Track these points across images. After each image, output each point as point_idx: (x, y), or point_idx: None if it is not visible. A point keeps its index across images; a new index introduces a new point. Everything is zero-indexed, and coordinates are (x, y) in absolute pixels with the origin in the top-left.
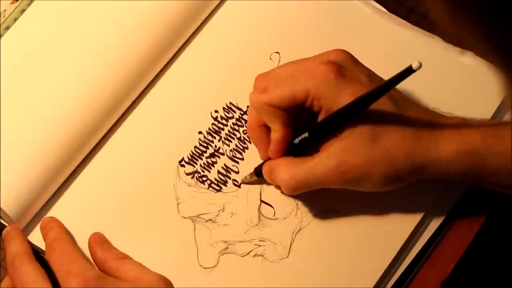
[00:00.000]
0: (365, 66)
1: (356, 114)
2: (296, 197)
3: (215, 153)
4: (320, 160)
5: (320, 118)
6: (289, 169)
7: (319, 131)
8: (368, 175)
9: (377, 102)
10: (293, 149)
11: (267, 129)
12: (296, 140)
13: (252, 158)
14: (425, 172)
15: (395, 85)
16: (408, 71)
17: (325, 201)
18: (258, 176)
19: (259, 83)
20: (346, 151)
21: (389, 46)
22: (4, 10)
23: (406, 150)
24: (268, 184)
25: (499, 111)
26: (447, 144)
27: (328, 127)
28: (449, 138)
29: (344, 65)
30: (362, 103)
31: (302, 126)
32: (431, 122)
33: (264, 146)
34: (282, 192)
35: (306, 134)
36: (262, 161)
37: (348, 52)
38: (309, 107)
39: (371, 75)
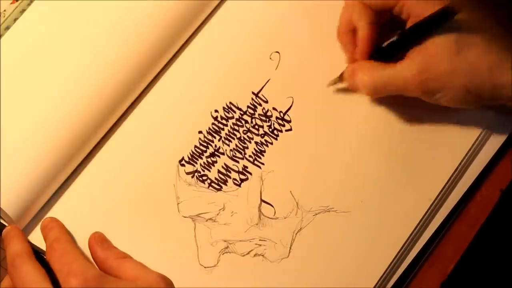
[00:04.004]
0: None
1: (442, 22)
2: (296, 196)
3: (215, 152)
4: (403, 66)
5: (409, 25)
6: (371, 71)
7: (408, 36)
8: (449, 86)
9: (463, 14)
10: (380, 54)
11: (355, 34)
12: (385, 44)
13: (252, 158)
14: (503, 93)
15: None
16: None
17: (325, 201)
18: (341, 79)
19: None
20: (429, 59)
21: None
22: (4, 10)
23: (490, 64)
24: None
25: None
26: None
27: (417, 33)
28: None
29: None
30: (449, 12)
31: (387, 37)
32: None
33: (352, 47)
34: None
35: (395, 37)
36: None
37: None
38: (398, 14)
39: None
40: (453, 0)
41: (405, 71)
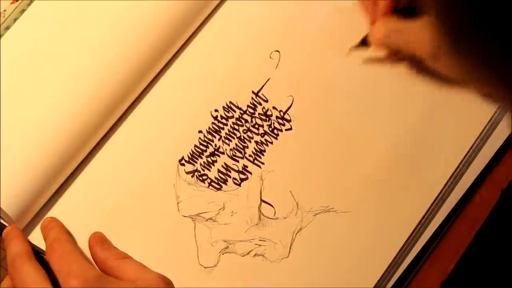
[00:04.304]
0: None
1: None
2: (296, 196)
3: (215, 152)
4: (419, 23)
5: None
6: (389, 22)
7: None
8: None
9: None
10: (403, 12)
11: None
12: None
13: (251, 157)
14: None
15: None
16: None
17: (325, 201)
18: (363, 44)
19: None
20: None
21: None
22: (4, 10)
23: None
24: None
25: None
26: None
27: None
28: None
29: None
30: None
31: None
32: None
33: (372, 10)
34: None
35: None
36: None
37: None
38: None
39: None
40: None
41: (420, 28)
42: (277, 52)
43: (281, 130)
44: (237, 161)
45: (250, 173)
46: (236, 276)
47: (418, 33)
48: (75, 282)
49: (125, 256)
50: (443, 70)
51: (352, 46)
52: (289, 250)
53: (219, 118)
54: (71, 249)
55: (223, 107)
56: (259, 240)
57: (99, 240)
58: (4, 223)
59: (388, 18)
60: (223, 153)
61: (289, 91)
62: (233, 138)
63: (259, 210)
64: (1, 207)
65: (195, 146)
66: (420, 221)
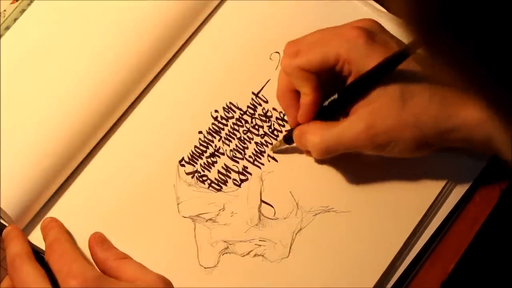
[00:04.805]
0: (393, 34)
1: (385, 75)
2: (296, 197)
3: (215, 152)
4: (350, 123)
5: (350, 81)
6: (319, 133)
7: (349, 93)
8: (397, 139)
9: (405, 63)
10: (323, 113)
11: (297, 94)
12: (326, 103)
13: (251, 157)
14: (451, 137)
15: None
16: None
17: (325, 201)
18: (287, 142)
19: (290, 48)
20: (375, 114)
21: None
22: (4, 10)
23: (434, 113)
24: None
25: None
26: (473, 109)
27: (358, 89)
28: (475, 103)
29: (374, 31)
30: (391, 64)
31: (329, 94)
32: None
33: (294, 111)
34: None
35: (335, 96)
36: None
37: (376, 20)
38: (339, 72)
39: (399, 41)
40: (397, 51)
41: (353, 128)
42: (277, 53)
43: (281, 131)
44: (237, 162)
45: (250, 174)
46: (236, 276)
47: (355, 135)
48: (75, 282)
49: (125, 257)
50: (389, 155)
51: (274, 145)
52: (289, 250)
53: (219, 118)
54: (71, 249)
55: (223, 108)
56: (259, 240)
57: (99, 240)
58: (4, 223)
59: (316, 126)
60: (223, 154)
61: None
62: (233, 138)
63: (259, 211)
64: (1, 207)
65: (195, 147)
66: (420, 221)
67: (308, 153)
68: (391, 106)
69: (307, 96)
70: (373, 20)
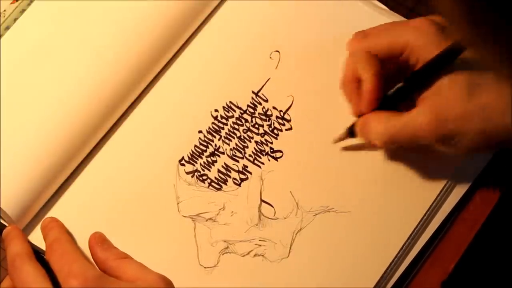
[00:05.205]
0: None
1: (451, 62)
2: (296, 197)
3: (215, 152)
4: (416, 114)
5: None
6: (384, 122)
7: (416, 80)
8: (464, 131)
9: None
10: (387, 103)
11: (359, 85)
12: (391, 92)
13: (252, 157)
14: None
15: None
16: None
17: (325, 201)
18: (351, 135)
19: (358, 34)
20: (442, 104)
21: None
22: (4, 10)
23: (503, 106)
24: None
25: None
26: None
27: (426, 75)
28: None
29: (444, 25)
30: (458, 51)
31: (392, 87)
32: None
33: (357, 100)
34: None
35: (401, 84)
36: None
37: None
38: (405, 60)
39: None
40: (459, 40)
41: (419, 118)
42: (277, 52)
43: (281, 130)
44: (237, 161)
45: (250, 173)
46: (236, 276)
47: (420, 125)
48: (75, 282)
49: (125, 256)
50: (452, 150)
51: (337, 137)
52: (289, 250)
53: (219, 118)
54: (71, 249)
55: (223, 107)
56: (259, 240)
57: (99, 240)
58: (4, 223)
59: (380, 115)
60: (223, 153)
61: (289, 91)
62: (233, 137)
63: (259, 210)
64: (1, 207)
65: (195, 146)
66: (420, 221)
67: (371, 145)
68: (458, 96)
69: (369, 82)
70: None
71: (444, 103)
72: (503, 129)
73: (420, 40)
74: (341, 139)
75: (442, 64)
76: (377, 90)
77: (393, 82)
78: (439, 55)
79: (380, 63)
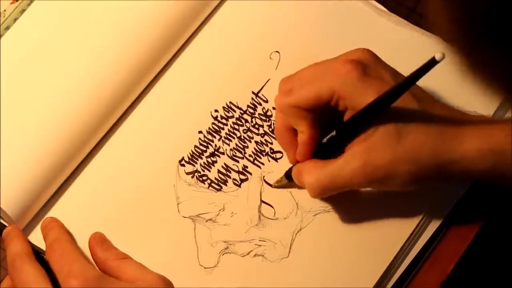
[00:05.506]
0: (388, 65)
1: (381, 111)
2: (296, 197)
3: (215, 152)
4: (345, 162)
5: (346, 117)
6: (315, 172)
7: (347, 131)
8: (393, 175)
9: (400, 99)
10: (322, 150)
11: (295, 132)
12: (324, 140)
13: (251, 157)
14: (449, 170)
15: (419, 79)
16: (431, 63)
17: (325, 201)
18: (288, 179)
19: (283, 86)
20: (370, 151)
21: (390, 45)
22: (4, 10)
23: (431, 147)
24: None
25: (500, 108)
26: (471, 142)
27: (355, 126)
28: (473, 136)
29: (368, 64)
30: (387, 100)
31: (329, 127)
32: (454, 119)
33: (293, 149)
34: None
35: (333, 133)
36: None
37: (371, 51)
38: (335, 107)
39: (394, 73)
40: (393, 86)
41: (348, 166)
42: (277, 53)
43: None
44: (237, 161)
45: (250, 173)
46: (236, 277)
47: (351, 173)
48: (75, 282)
49: (125, 257)
50: (386, 189)
51: (276, 181)
52: (289, 250)
53: (219, 118)
54: (71, 249)
55: (223, 107)
56: (259, 240)
57: (99, 240)
58: (4, 223)
59: (312, 165)
60: (223, 153)
61: None
62: (233, 138)
63: (259, 211)
64: (1, 207)
65: (195, 146)
66: (420, 221)
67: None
68: (387, 142)
69: (304, 134)
70: (368, 50)
71: (372, 149)
72: (433, 167)
73: (344, 88)
74: (280, 182)
75: (374, 113)
76: (313, 141)
77: (333, 122)
78: (370, 105)
79: (310, 114)
